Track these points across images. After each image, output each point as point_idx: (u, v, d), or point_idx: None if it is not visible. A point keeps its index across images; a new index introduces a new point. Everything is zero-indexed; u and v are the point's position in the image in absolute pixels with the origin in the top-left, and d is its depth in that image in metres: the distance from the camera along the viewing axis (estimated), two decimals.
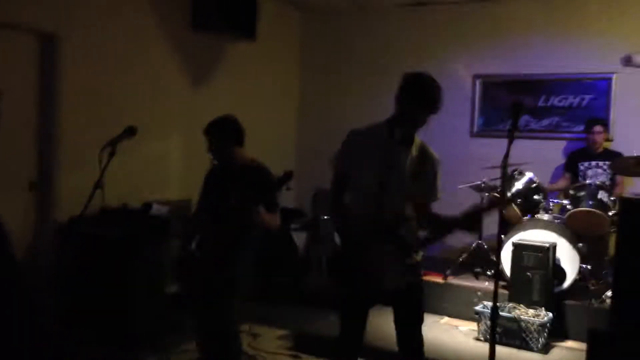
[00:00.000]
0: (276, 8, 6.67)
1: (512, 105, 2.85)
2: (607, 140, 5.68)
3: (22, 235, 4.39)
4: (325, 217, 5.58)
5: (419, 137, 2.92)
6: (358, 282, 2.86)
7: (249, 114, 5.47)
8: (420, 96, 2.77)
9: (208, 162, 4.00)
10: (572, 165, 5.68)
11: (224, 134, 3.42)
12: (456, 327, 4.85)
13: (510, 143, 2.64)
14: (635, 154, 4.72)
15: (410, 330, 2.96)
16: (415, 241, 2.86)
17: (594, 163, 5.55)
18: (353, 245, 2.90)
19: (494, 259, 5.15)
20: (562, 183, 5.68)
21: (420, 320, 3.00)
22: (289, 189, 3.45)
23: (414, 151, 2.86)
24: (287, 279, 5.62)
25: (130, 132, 3.59)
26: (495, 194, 2.89)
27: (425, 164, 2.85)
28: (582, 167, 5.59)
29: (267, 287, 5.59)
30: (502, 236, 5.13)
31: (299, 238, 5.79)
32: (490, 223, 5.43)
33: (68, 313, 4.28)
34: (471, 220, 2.81)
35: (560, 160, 5.92)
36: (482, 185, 5.36)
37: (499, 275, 2.93)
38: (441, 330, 4.76)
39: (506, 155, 2.64)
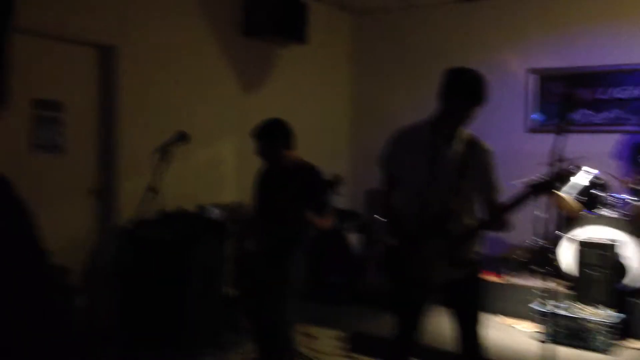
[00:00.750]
0: (326, 11, 6.70)
1: (562, 97, 2.76)
2: None
3: (85, 239, 4.56)
4: (379, 217, 5.55)
5: (467, 131, 2.86)
6: (407, 278, 2.84)
7: (301, 118, 5.55)
8: (459, 89, 2.74)
9: (260, 165, 4.06)
10: (635, 158, 5.45)
11: (272, 137, 3.45)
12: (514, 327, 4.73)
13: (561, 135, 2.55)
14: None
15: (467, 326, 2.91)
16: (465, 234, 2.80)
17: None
18: (402, 242, 2.88)
19: (553, 257, 5.00)
20: (626, 178, 5.44)
21: (477, 316, 2.93)
22: (338, 194, 3.45)
23: (460, 145, 2.81)
24: (342, 280, 5.62)
25: (181, 137, 3.68)
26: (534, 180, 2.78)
27: (474, 157, 2.79)
28: None
29: (322, 287, 5.61)
30: (560, 233, 4.99)
31: (353, 239, 5.78)
32: (553, 220, 5.38)
33: (128, 314, 4.40)
34: (506, 211, 2.72)
35: (622, 153, 5.69)
36: (540, 178, 5.21)
37: (553, 273, 2.81)
38: (500, 329, 4.65)
39: (556, 147, 2.56)
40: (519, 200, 2.70)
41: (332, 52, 6.96)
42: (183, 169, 4.89)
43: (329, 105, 6.91)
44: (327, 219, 3.39)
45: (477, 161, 2.79)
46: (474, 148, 2.81)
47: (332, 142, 7.03)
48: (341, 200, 6.94)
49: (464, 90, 2.75)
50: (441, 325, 3.04)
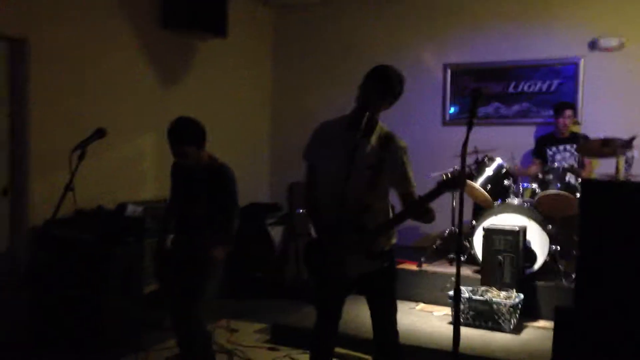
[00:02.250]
0: (246, 5, 6.70)
1: (471, 92, 2.90)
2: (576, 123, 5.79)
3: None
4: (301, 210, 5.63)
5: (385, 127, 2.97)
6: (325, 270, 2.93)
7: (222, 111, 5.56)
8: (375, 84, 2.85)
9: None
10: (540, 149, 5.79)
11: (180, 137, 3.44)
12: (431, 312, 4.93)
13: (469, 129, 2.66)
14: (601, 136, 4.83)
15: (382, 316, 3.03)
16: (379, 228, 2.91)
17: (561, 147, 5.66)
18: (322, 235, 2.97)
19: (467, 244, 5.26)
20: (533, 168, 5.78)
21: (392, 306, 3.05)
22: None
23: (375, 140, 2.91)
24: (264, 274, 5.68)
25: (99, 134, 3.62)
26: (449, 173, 2.88)
27: (389, 152, 2.88)
28: (550, 152, 5.70)
29: (244, 282, 5.65)
30: (474, 221, 5.24)
31: (276, 232, 5.84)
32: (464, 208, 5.63)
33: (44, 315, 4.30)
34: (422, 204, 2.84)
35: (531, 145, 6.02)
36: (454, 171, 5.44)
37: (460, 259, 2.95)
38: (417, 316, 4.84)
39: (465, 141, 2.67)
40: (433, 194, 2.81)
41: (252, 47, 6.97)
42: (101, 166, 4.80)
43: (249, 99, 6.92)
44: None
45: (392, 157, 2.88)
46: (390, 144, 2.90)
47: (253, 136, 7.06)
48: (264, 192, 7.02)
49: (380, 85, 2.86)
50: (360, 314, 3.15)
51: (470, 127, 2.66)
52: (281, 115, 7.29)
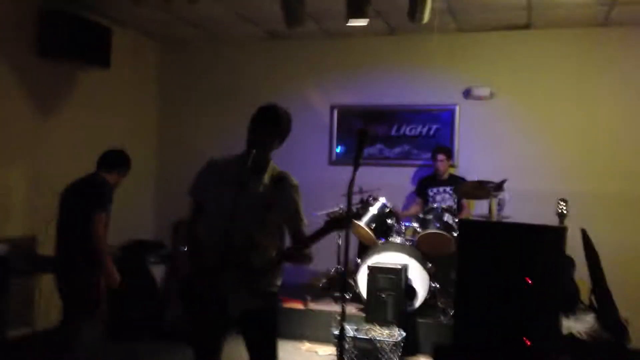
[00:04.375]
0: (131, 37, 6.53)
1: (357, 133, 2.97)
2: (452, 166, 6.11)
3: None
4: (184, 248, 5.45)
5: (278, 167, 2.96)
6: (203, 308, 2.84)
7: (103, 144, 5.29)
8: (262, 123, 2.86)
9: (56, 194, 3.86)
10: (422, 190, 6.04)
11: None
12: (316, 352, 4.92)
13: (355, 169, 2.71)
14: (475, 179, 5.13)
15: (261, 356, 2.96)
16: (265, 267, 2.87)
17: (441, 189, 5.93)
18: (201, 272, 2.88)
19: (352, 282, 5.32)
20: (414, 208, 6.00)
21: (273, 347, 2.99)
22: None
23: (267, 179, 2.90)
24: (144, 314, 5.41)
25: None
26: (334, 213, 2.94)
27: (282, 191, 2.88)
28: (431, 193, 5.96)
29: (122, 323, 5.35)
30: (359, 260, 5.33)
31: (157, 271, 5.61)
32: (350, 247, 5.71)
33: None
34: (307, 244, 2.87)
35: (412, 185, 6.27)
36: (340, 211, 5.53)
37: (344, 298, 2.97)
38: (302, 356, 4.81)
39: (351, 181, 2.72)
40: (320, 234, 2.83)
41: (137, 79, 6.79)
42: None
43: (134, 132, 6.69)
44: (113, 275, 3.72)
45: (284, 195, 2.88)
46: (282, 182, 2.89)
47: (138, 171, 6.78)
48: (146, 229, 6.75)
49: (268, 125, 2.86)
50: (239, 355, 3.06)
51: (356, 166, 2.71)
52: (167, 151, 7.10)
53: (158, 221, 6.91)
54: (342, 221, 2.83)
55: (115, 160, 4.07)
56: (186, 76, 7.10)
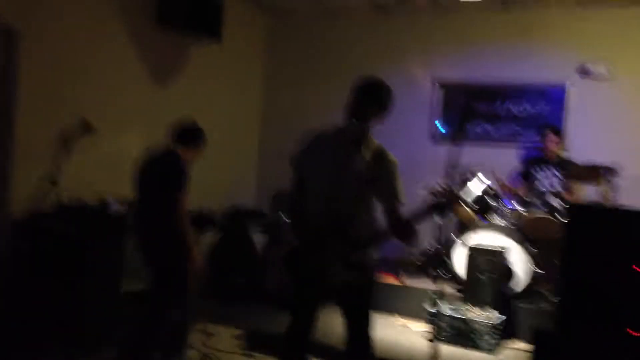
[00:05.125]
0: (242, 10, 6.69)
1: (463, 109, 2.91)
2: (562, 148, 5.84)
3: None
4: (285, 217, 5.60)
5: (376, 141, 2.96)
6: (304, 277, 2.91)
7: (212, 115, 5.52)
8: (367, 97, 2.85)
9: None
10: (528, 171, 5.82)
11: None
12: (409, 327, 4.92)
13: (457, 146, 2.67)
14: (588, 162, 4.88)
15: (356, 328, 3.01)
16: (364, 240, 2.90)
17: (549, 171, 5.69)
18: (304, 243, 2.95)
19: (450, 262, 5.25)
20: (520, 189, 5.80)
21: (367, 318, 3.03)
22: None
23: (368, 154, 2.90)
24: (245, 279, 5.63)
25: (84, 126, 3.58)
26: (436, 190, 2.88)
27: (381, 167, 2.88)
28: (536, 174, 5.73)
29: (225, 286, 5.60)
30: (458, 239, 5.25)
31: (258, 239, 5.80)
32: (448, 226, 5.64)
33: (24, 310, 4.22)
34: (408, 226, 2.83)
35: (516, 166, 6.06)
36: (442, 191, 5.44)
37: (447, 276, 2.95)
38: (395, 330, 4.83)
39: (455, 160, 2.68)
40: (418, 216, 2.81)
41: (246, 51, 6.95)
42: (85, 160, 4.72)
43: (240, 104, 6.89)
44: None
45: (382, 171, 2.88)
46: (381, 158, 2.89)
47: (242, 142, 7.02)
48: (247, 198, 6.98)
49: (371, 99, 2.86)
50: (335, 324, 3.14)
51: (460, 144, 2.65)
52: (271, 123, 7.26)
53: (259, 190, 7.12)
54: (443, 206, 2.78)
55: (191, 136, 3.93)
56: (293, 48, 7.19)
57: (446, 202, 2.76)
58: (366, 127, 2.91)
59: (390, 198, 2.90)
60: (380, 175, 2.87)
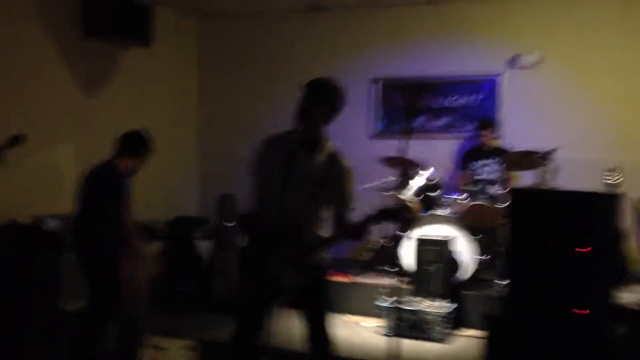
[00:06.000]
0: (171, 14, 6.56)
1: (406, 105, 2.92)
2: (497, 138, 5.98)
3: None
4: (229, 223, 5.51)
5: (332, 145, 2.92)
6: (256, 279, 2.87)
7: (147, 122, 5.35)
8: (324, 98, 2.83)
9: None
10: (466, 163, 5.94)
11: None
12: (360, 324, 4.92)
13: (405, 140, 2.67)
14: (521, 149, 5.02)
15: (315, 327, 2.99)
16: (316, 242, 2.88)
17: (487, 160, 5.82)
18: (257, 247, 2.91)
19: (395, 255, 5.28)
20: (463, 178, 5.90)
21: (325, 317, 3.02)
22: None
23: (320, 157, 2.88)
24: (191, 288, 5.51)
25: (15, 140, 3.42)
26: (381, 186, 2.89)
27: (333, 171, 2.87)
28: (476, 165, 5.85)
29: (171, 297, 5.46)
30: (402, 233, 5.29)
31: (203, 246, 5.69)
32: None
33: None
34: (361, 230, 2.84)
35: (454, 157, 6.18)
36: (384, 184, 5.49)
37: (396, 270, 2.96)
38: (346, 328, 4.82)
39: (402, 152, 2.67)
40: (372, 220, 2.80)
41: (178, 56, 6.83)
42: (16, 176, 4.52)
43: (175, 108, 6.76)
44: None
45: (335, 175, 2.87)
46: (334, 162, 2.88)
47: (181, 147, 6.88)
48: (191, 205, 6.85)
49: (320, 99, 2.83)
50: (291, 327, 3.10)
51: (406, 138, 2.66)
52: (210, 127, 7.14)
53: (202, 196, 6.99)
54: (394, 213, 2.80)
55: (130, 144, 3.83)
56: (226, 52, 7.09)
57: (396, 211, 2.77)
58: (318, 130, 2.88)
59: (341, 202, 2.90)
60: (331, 179, 2.86)
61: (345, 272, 5.42)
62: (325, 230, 2.95)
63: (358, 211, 2.90)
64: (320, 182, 2.83)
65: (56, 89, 5.16)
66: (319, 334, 3.01)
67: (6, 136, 3.43)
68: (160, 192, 6.10)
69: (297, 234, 2.83)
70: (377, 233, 5.68)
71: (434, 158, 5.87)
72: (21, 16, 4.83)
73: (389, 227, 5.38)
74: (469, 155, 5.94)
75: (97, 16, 5.32)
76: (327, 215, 2.96)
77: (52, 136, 5.10)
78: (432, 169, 5.40)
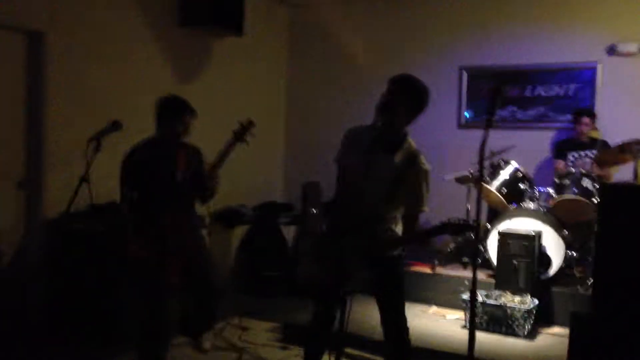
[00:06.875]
0: (263, 3, 6.70)
1: (491, 90, 2.88)
2: (595, 129, 5.72)
3: (11, 233, 4.42)
4: (314, 210, 5.61)
5: (414, 145, 2.94)
6: (327, 269, 2.93)
7: (236, 110, 5.53)
8: (410, 97, 2.84)
9: None
10: (561, 154, 5.72)
11: None
12: (443, 316, 4.89)
13: (487, 129, 2.60)
14: (618, 143, 4.78)
15: (390, 318, 3.04)
16: (387, 241, 2.93)
17: (582, 153, 5.59)
18: (332, 236, 2.97)
19: (482, 248, 5.20)
20: (556, 171, 5.68)
21: (399, 307, 3.05)
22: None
23: (399, 157, 2.89)
24: (277, 273, 5.67)
25: (115, 126, 3.64)
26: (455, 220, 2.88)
27: (410, 172, 2.87)
28: (570, 157, 5.63)
29: (257, 281, 5.65)
30: (489, 225, 5.19)
31: (288, 232, 5.83)
32: (480, 213, 5.57)
33: (58, 309, 4.31)
34: (424, 238, 2.87)
35: (546, 149, 5.96)
36: (470, 176, 5.40)
37: (481, 263, 2.93)
38: (429, 319, 4.80)
39: (483, 142, 2.62)
40: (435, 232, 2.80)
41: (268, 45, 6.96)
42: (117, 160, 4.80)
43: (264, 99, 6.90)
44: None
45: (411, 176, 2.87)
46: (412, 163, 2.88)
47: (267, 136, 7.03)
48: (277, 191, 7.02)
49: (404, 97, 2.84)
50: (372, 316, 3.14)
51: (489, 126, 2.59)
52: (297, 115, 7.26)
53: (287, 183, 7.14)
54: (460, 229, 2.78)
55: (163, 111, 3.98)
56: (316, 40, 7.15)
57: (461, 227, 2.75)
58: (401, 129, 2.91)
59: (413, 203, 2.90)
60: (407, 179, 2.86)
61: (428, 263, 5.38)
62: (399, 228, 2.99)
63: (442, 201, 2.90)
64: (396, 181, 2.85)
65: (152, 76, 5.36)
66: (393, 324, 3.05)
67: (106, 123, 3.64)
68: (248, 178, 6.28)
69: (371, 230, 2.87)
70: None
71: (524, 149, 5.72)
72: (120, 5, 5.05)
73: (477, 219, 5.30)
74: (565, 146, 5.71)
75: (193, 6, 5.52)
76: (400, 214, 2.99)
77: (148, 122, 5.35)
78: (516, 162, 5.28)
